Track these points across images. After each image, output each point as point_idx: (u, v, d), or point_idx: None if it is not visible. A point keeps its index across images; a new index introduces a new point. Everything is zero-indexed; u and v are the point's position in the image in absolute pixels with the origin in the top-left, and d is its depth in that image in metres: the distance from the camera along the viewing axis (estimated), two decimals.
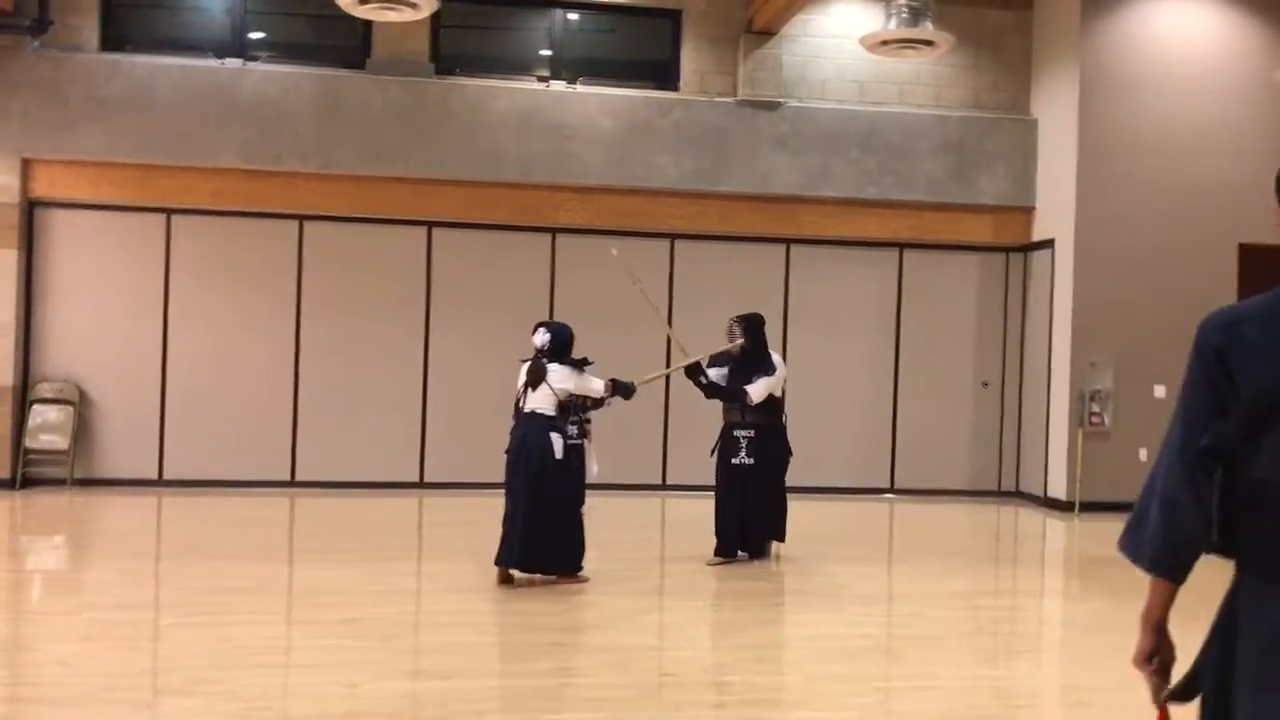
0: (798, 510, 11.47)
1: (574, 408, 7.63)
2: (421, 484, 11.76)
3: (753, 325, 8.45)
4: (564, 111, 11.75)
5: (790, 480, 12.09)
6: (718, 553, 8.20)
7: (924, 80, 12.48)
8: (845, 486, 12.44)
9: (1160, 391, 11.83)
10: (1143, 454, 11.75)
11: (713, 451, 8.48)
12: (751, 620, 6.56)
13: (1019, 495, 12.56)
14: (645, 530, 10.01)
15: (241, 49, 11.42)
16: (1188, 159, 11.76)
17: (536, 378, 7.40)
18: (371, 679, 5.12)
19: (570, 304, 11.94)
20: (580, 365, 7.51)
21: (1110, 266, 11.69)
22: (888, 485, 12.62)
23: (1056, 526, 11.11)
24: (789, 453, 8.50)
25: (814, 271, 12.46)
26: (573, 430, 10.12)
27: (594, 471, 10.43)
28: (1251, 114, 11.89)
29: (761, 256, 12.37)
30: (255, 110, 11.23)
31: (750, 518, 8.21)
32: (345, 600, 6.73)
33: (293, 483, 11.54)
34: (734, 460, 8.19)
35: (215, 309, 11.44)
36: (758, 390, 8.11)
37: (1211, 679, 2.19)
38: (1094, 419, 11.67)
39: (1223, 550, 2.19)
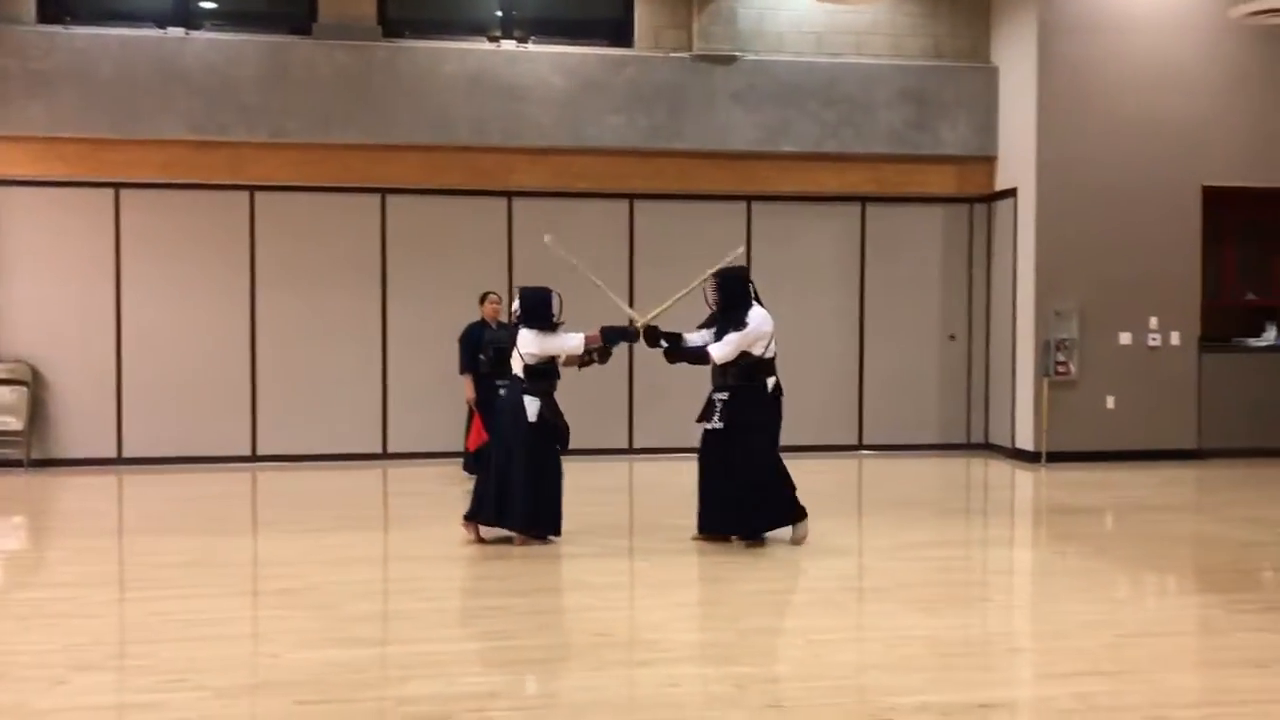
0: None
1: (551, 370, 7.40)
2: (385, 455, 11.66)
3: (728, 280, 7.60)
4: (515, 72, 11.56)
5: None
6: (699, 528, 7.49)
7: (882, 30, 12.29)
8: (814, 444, 12.33)
9: (1126, 338, 11.76)
10: (1110, 402, 11.71)
11: (699, 417, 7.64)
12: (696, 578, 6.49)
13: (989, 447, 12.49)
14: (607, 494, 9.91)
15: (185, 17, 11.19)
16: (1148, 101, 11.61)
17: (512, 342, 7.36)
18: (295, 648, 5.04)
19: (529, 268, 11.81)
20: (551, 327, 7.33)
21: (1073, 214, 11.57)
22: (856, 442, 12.54)
23: (1024, 477, 11.05)
24: (769, 420, 7.45)
25: (776, 228, 12.32)
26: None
27: None
28: (1211, 52, 11.73)
29: (722, 214, 12.22)
30: (200, 80, 11.02)
31: (730, 492, 7.30)
32: (289, 571, 6.65)
33: (254, 457, 11.44)
34: (707, 425, 7.44)
35: (168, 284, 11.28)
36: (723, 350, 7.27)
37: None
38: (1060, 368, 11.58)
39: None
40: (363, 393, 11.65)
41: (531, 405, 7.34)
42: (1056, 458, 11.44)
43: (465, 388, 10.15)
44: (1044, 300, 11.61)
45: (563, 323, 7.51)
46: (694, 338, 7.67)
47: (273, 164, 11.30)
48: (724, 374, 7.41)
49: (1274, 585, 6.61)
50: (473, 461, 10.18)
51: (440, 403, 11.29)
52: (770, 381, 7.49)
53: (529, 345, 7.36)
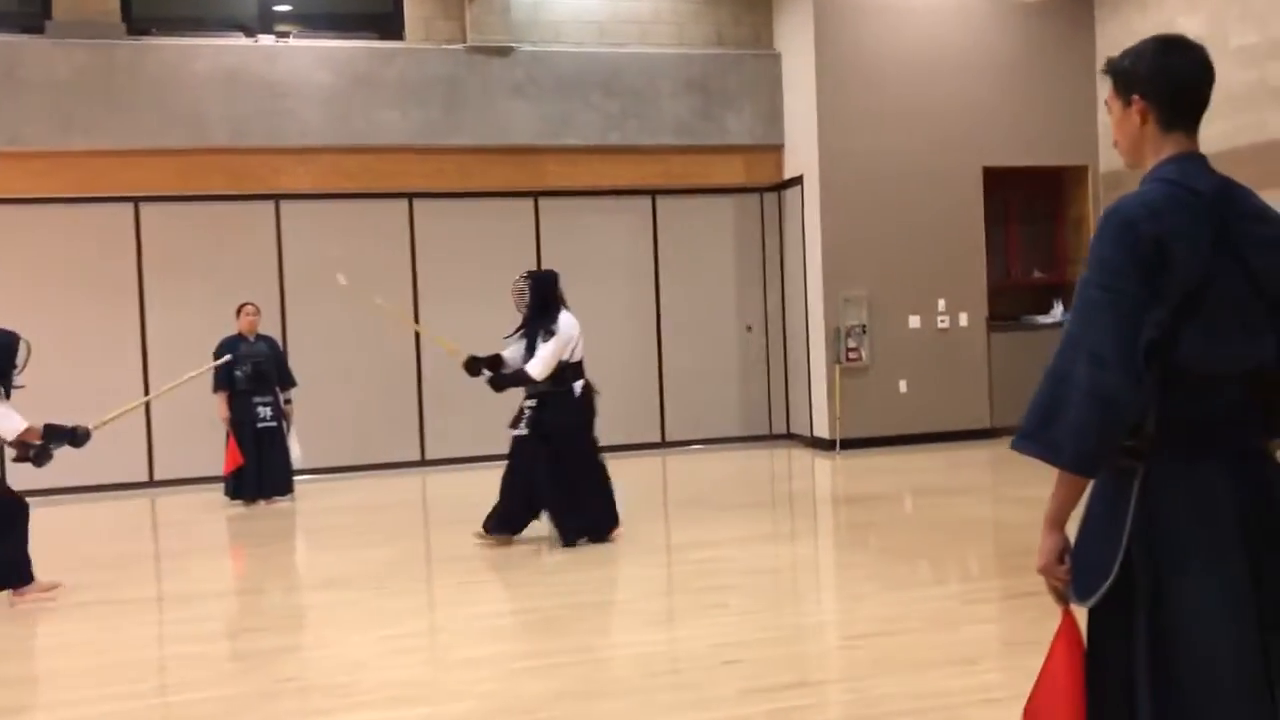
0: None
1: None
2: (152, 483, 10.88)
3: (540, 283, 7.44)
4: (275, 68, 10.90)
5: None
6: (485, 525, 7.34)
7: (665, 19, 12.04)
8: (617, 444, 11.98)
9: (915, 322, 11.76)
10: (902, 386, 11.69)
11: (510, 424, 7.49)
12: (421, 605, 6.03)
13: (790, 437, 12.37)
14: (356, 514, 9.37)
15: None
16: (927, 84, 11.62)
17: None
18: None
19: (300, 273, 11.22)
20: (6, 388, 6.37)
21: (856, 200, 11.50)
22: (659, 439, 12.28)
23: (820, 465, 10.93)
24: (582, 423, 7.40)
25: (565, 223, 11.95)
26: (266, 412, 9.47)
27: (296, 455, 9.82)
28: (986, 33, 11.80)
29: (509, 211, 11.80)
30: None
31: (537, 496, 7.24)
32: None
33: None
34: (514, 432, 7.33)
35: None
36: (540, 366, 7.12)
37: (1141, 557, 2.20)
38: (851, 355, 11.51)
39: (1150, 434, 2.20)
40: (129, 419, 10.82)
41: None
42: (852, 444, 11.36)
43: (219, 406, 9.50)
44: (832, 287, 11.52)
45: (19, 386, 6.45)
46: (509, 354, 7.49)
47: (11, 173, 10.39)
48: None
49: (1020, 571, 6.50)
50: (234, 484, 9.57)
51: (206, 424, 10.55)
52: (578, 385, 7.39)
53: None
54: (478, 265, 11.66)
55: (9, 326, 10.46)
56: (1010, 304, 12.40)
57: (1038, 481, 2.27)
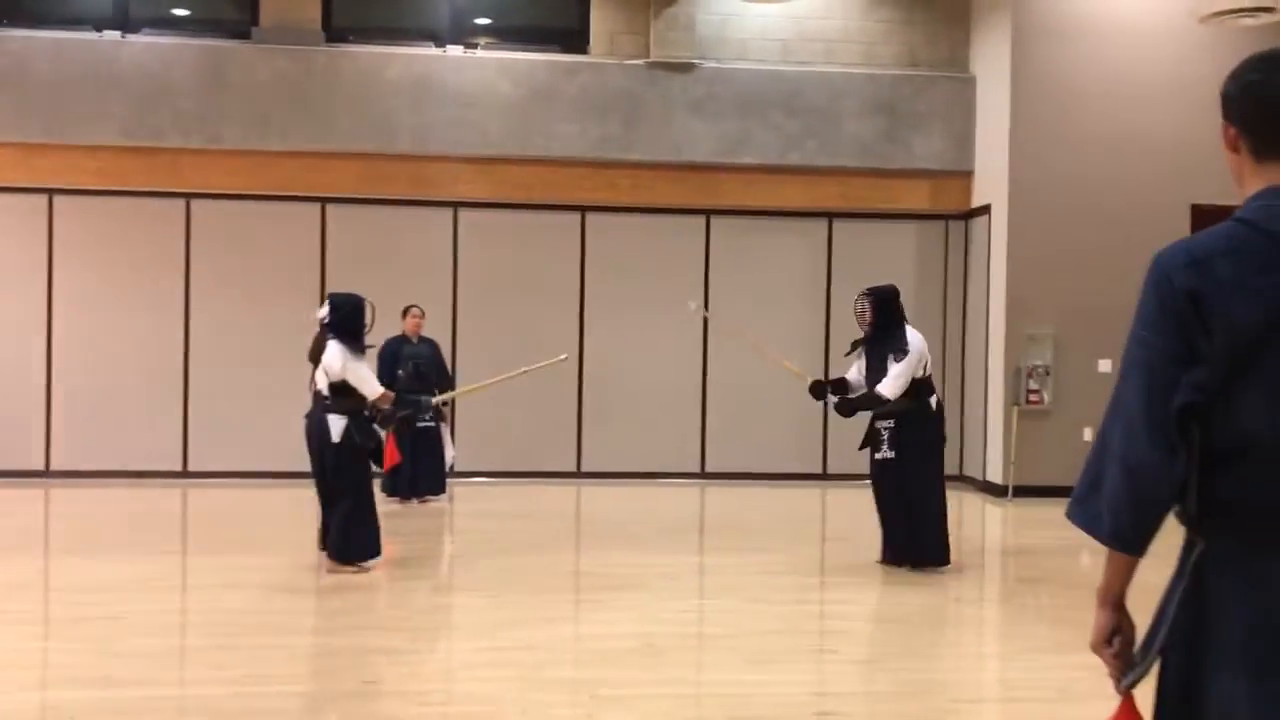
0: (720, 498, 10.92)
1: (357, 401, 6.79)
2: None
3: (880, 300, 7.29)
4: (462, 78, 11.13)
5: (717, 465, 11.65)
6: (886, 559, 7.28)
7: (853, 38, 11.66)
8: (776, 472, 11.72)
9: (1105, 366, 10.93)
10: (1087, 434, 10.86)
11: (862, 445, 7.48)
12: (530, 619, 5.89)
13: (962, 479, 11.72)
14: (502, 520, 9.31)
15: (121, 20, 10.94)
16: (1130, 112, 10.83)
17: (314, 353, 6.81)
18: (25, 688, 4.57)
19: (474, 280, 11.41)
20: (359, 347, 6.76)
21: (1048, 232, 10.81)
22: (821, 470, 11.86)
23: (991, 512, 10.30)
24: (940, 440, 7.32)
25: (737, 244, 11.73)
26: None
27: (451, 456, 9.92)
28: (1196, 62, 10.86)
29: (679, 228, 11.66)
30: (135, 84, 10.75)
31: (905, 519, 7.13)
32: (104, 599, 6.18)
33: (185, 473, 11.09)
34: (875, 455, 7.21)
35: (101, 293, 11.00)
36: (892, 385, 6.95)
37: (1179, 656, 1.95)
38: (1031, 397, 10.81)
39: (1193, 515, 1.93)
40: (298, 408, 11.22)
41: (335, 424, 6.71)
42: (1026, 492, 10.64)
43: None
44: (1016, 324, 10.85)
45: (371, 346, 7.00)
46: (850, 375, 7.42)
47: (209, 171, 10.98)
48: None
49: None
50: (390, 482, 9.74)
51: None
52: (933, 400, 7.26)
53: (333, 360, 6.70)
54: (646, 280, 11.58)
55: (205, 313, 11.12)
56: None
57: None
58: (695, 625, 6.01)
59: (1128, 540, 1.94)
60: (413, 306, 9.92)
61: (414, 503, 9.74)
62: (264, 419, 11.14)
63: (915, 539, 7.06)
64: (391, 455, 9.57)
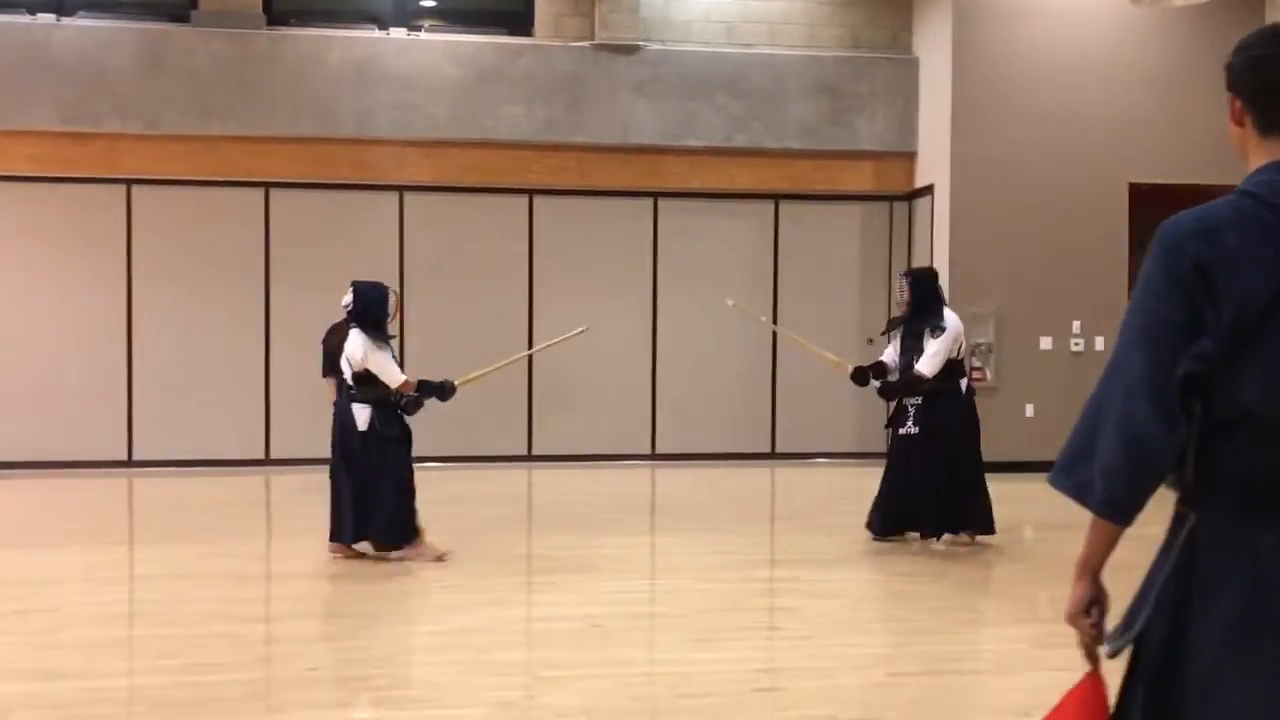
0: (671, 478, 10.98)
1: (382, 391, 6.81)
2: (268, 460, 11.17)
3: (918, 281, 7.37)
4: (406, 61, 11.06)
5: (668, 446, 11.71)
6: (869, 526, 7.45)
7: (796, 20, 11.72)
8: (724, 452, 11.81)
9: (1047, 343, 11.15)
10: (1029, 410, 11.10)
11: (887, 423, 7.59)
12: (477, 602, 5.92)
13: None
14: (453, 504, 9.35)
15: (56, 3, 10.74)
16: (1068, 93, 10.98)
17: (334, 341, 6.84)
18: None
19: (420, 265, 11.36)
20: (382, 336, 6.79)
21: (989, 211, 10.96)
22: (769, 450, 11.97)
23: None
24: (972, 421, 7.39)
25: (684, 225, 11.77)
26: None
27: None
28: (1134, 43, 11.08)
29: (627, 211, 11.69)
30: (71, 68, 10.57)
31: (918, 495, 7.22)
32: (44, 590, 6.13)
33: (130, 462, 10.97)
34: (900, 430, 7.30)
35: (41, 283, 10.83)
36: (931, 363, 7.05)
37: (1162, 628, 1.95)
38: (975, 374, 10.93)
39: (1189, 486, 1.95)
40: (245, 395, 11.17)
41: (361, 413, 6.76)
42: None
43: (329, 392, 9.64)
44: (958, 302, 10.92)
45: (393, 336, 6.99)
46: (886, 356, 7.46)
47: (149, 157, 10.83)
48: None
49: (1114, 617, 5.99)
50: None
51: (326, 406, 10.76)
52: (963, 383, 7.33)
53: (355, 350, 6.78)
54: (594, 263, 11.61)
55: (148, 301, 10.97)
56: None
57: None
58: (642, 606, 6.07)
59: (1120, 509, 1.94)
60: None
61: None
62: (210, 406, 11.06)
63: (961, 508, 7.17)
64: None
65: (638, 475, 11.15)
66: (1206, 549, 1.92)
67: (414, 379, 6.84)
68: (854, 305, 12.01)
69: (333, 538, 6.82)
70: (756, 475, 11.15)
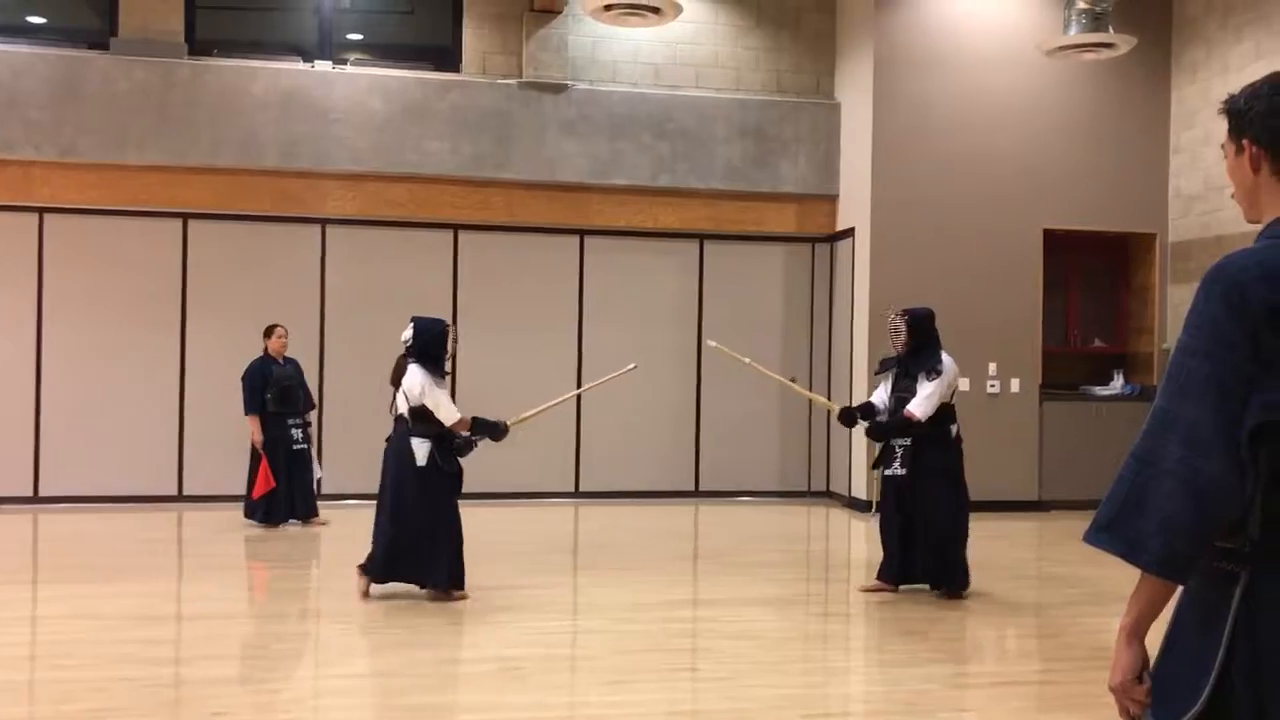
0: (594, 516, 10.94)
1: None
2: (180, 497, 10.91)
3: (917, 321, 7.19)
4: (330, 94, 10.98)
5: (591, 484, 11.68)
6: (879, 575, 7.26)
7: (723, 63, 11.89)
8: (648, 490, 11.81)
9: (963, 385, 11.27)
10: None
11: (875, 464, 7.43)
12: (394, 643, 5.82)
13: (830, 495, 12.00)
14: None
15: None
16: (984, 138, 11.27)
17: (396, 376, 6.71)
18: None
19: (342, 298, 11.24)
20: (440, 372, 6.73)
21: (908, 255, 11.16)
22: (693, 488, 11.99)
23: (856, 528, 10.54)
24: (958, 465, 7.19)
25: (610, 263, 11.81)
26: (298, 434, 9.45)
27: (318, 477, 9.79)
28: (1050, 90, 11.41)
29: (553, 247, 11.70)
30: None
31: (914, 538, 7.05)
32: None
33: (36, 498, 10.64)
34: (887, 471, 7.15)
35: None
36: (923, 406, 6.90)
37: (1245, 693, 1.81)
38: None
39: (1244, 540, 1.84)
40: (158, 430, 10.91)
41: (420, 448, 6.66)
42: None
43: (252, 429, 9.48)
44: (878, 344, 11.13)
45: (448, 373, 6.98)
46: (875, 397, 7.34)
47: (63, 184, 10.60)
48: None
49: (1022, 657, 6.10)
50: (254, 508, 9.51)
51: (242, 442, 10.56)
52: (953, 428, 7.18)
53: (413, 385, 6.68)
54: (519, 298, 11.59)
55: (59, 332, 10.70)
56: (1067, 372, 11.91)
57: (1082, 560, 1.98)
58: (561, 647, 6.02)
59: (1180, 567, 1.83)
60: (277, 326, 9.74)
61: (293, 525, 9.52)
62: (121, 441, 10.80)
63: (940, 560, 7.01)
64: (266, 481, 9.38)
65: (561, 513, 11.09)
66: (1270, 605, 1.82)
67: (468, 416, 6.76)
68: (776, 343, 12.12)
69: (365, 570, 6.73)
70: (680, 513, 11.16)
